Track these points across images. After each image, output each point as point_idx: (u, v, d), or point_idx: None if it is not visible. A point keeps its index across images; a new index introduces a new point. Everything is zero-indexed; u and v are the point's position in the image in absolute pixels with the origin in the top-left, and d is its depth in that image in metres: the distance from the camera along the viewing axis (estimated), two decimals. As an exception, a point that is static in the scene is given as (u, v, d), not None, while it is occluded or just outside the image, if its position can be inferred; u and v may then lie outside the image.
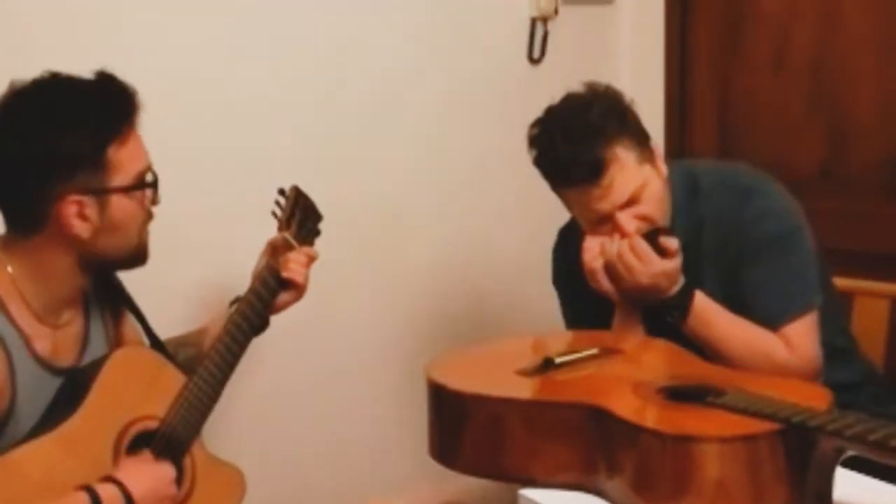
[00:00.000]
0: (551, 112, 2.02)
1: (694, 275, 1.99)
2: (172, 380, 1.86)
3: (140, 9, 2.27)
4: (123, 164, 1.75)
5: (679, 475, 1.43)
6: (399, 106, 2.68)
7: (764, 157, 2.73)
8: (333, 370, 2.61)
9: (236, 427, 2.36)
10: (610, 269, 1.97)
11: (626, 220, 1.95)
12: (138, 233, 1.81)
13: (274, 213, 2.08)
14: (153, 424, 1.82)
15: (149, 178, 1.80)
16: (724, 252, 2.01)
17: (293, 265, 2.00)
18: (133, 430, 1.79)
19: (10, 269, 1.75)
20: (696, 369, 1.75)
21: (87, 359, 1.84)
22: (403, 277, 2.73)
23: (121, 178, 1.75)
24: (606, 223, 1.97)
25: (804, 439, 1.42)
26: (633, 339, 1.97)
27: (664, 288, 1.96)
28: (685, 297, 1.96)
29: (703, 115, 3.02)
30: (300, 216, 2.08)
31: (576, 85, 2.05)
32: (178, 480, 1.83)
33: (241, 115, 2.42)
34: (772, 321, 1.96)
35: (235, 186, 2.39)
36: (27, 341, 1.75)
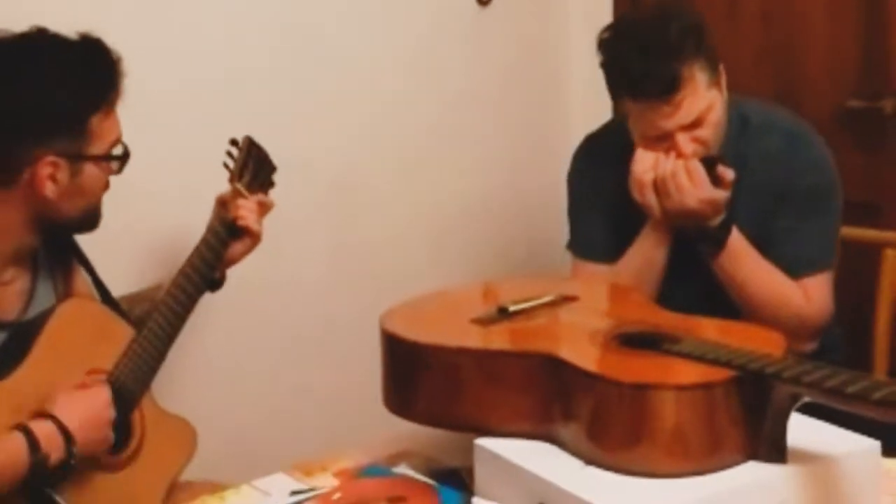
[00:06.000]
0: (627, 20, 2.04)
1: (729, 209, 2.01)
2: (121, 333, 1.84)
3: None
4: (102, 133, 1.76)
5: (635, 423, 1.43)
6: (350, 54, 2.64)
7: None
8: (287, 323, 2.59)
9: (189, 381, 2.34)
10: (660, 185, 1.97)
11: (685, 141, 1.96)
12: (97, 200, 1.81)
13: (226, 165, 2.05)
14: (101, 378, 1.78)
15: (119, 150, 1.80)
16: (764, 192, 2.03)
17: (244, 212, 1.98)
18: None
19: None
20: (651, 316, 1.75)
21: (33, 315, 1.80)
22: (361, 229, 2.70)
23: (97, 146, 1.76)
24: (664, 141, 1.98)
25: (760, 386, 1.42)
26: (587, 284, 1.97)
27: (708, 216, 1.98)
28: (724, 230, 1.98)
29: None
30: (253, 167, 2.05)
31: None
32: (128, 435, 1.80)
33: (197, 67, 2.37)
34: (795, 269, 2.00)
35: (190, 140, 2.35)
36: None
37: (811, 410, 1.48)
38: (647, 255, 2.07)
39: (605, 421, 1.46)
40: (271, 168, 2.12)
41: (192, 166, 2.33)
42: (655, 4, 2.06)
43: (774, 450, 1.43)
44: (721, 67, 2.02)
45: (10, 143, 1.70)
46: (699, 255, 2.02)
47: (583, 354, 1.55)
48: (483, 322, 1.71)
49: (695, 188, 1.95)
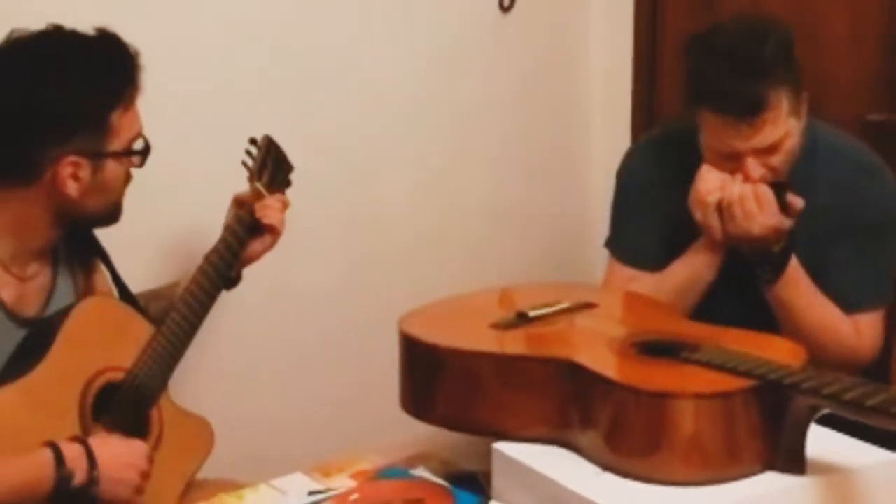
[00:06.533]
0: (721, 30, 1.94)
1: (789, 235, 1.96)
2: (140, 330, 1.84)
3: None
4: (123, 129, 1.76)
5: (653, 431, 1.44)
6: (371, 59, 2.64)
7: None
8: (306, 324, 2.59)
9: (208, 381, 2.35)
10: (725, 208, 1.92)
11: (755, 165, 1.91)
12: (119, 194, 1.82)
13: (244, 163, 2.05)
14: (119, 375, 1.79)
15: (140, 144, 1.80)
16: (825, 220, 1.97)
17: (270, 211, 1.98)
18: (99, 382, 1.77)
19: None
20: (670, 324, 1.75)
21: (53, 311, 1.80)
22: (378, 230, 2.70)
23: (118, 142, 1.76)
24: (733, 160, 1.92)
25: (779, 396, 1.42)
26: (606, 292, 1.97)
27: (770, 242, 1.92)
28: (785, 257, 1.93)
29: (672, 63, 3.00)
30: (272, 166, 2.06)
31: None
32: (146, 432, 1.81)
33: (215, 66, 2.37)
34: (849, 304, 1.96)
35: (210, 138, 2.35)
36: None
37: (830, 422, 1.48)
38: (695, 271, 2.01)
39: (623, 428, 1.46)
40: (289, 168, 2.12)
41: (208, 165, 2.33)
42: (750, 17, 1.96)
43: (793, 461, 1.43)
44: (804, 95, 1.96)
45: (32, 144, 1.71)
46: (749, 276, 1.96)
47: (602, 361, 1.55)
48: (502, 327, 1.71)
49: (763, 215, 1.89)
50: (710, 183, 1.93)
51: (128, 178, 1.82)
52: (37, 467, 1.62)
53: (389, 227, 2.73)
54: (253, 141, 2.07)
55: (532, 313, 1.74)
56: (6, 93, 1.71)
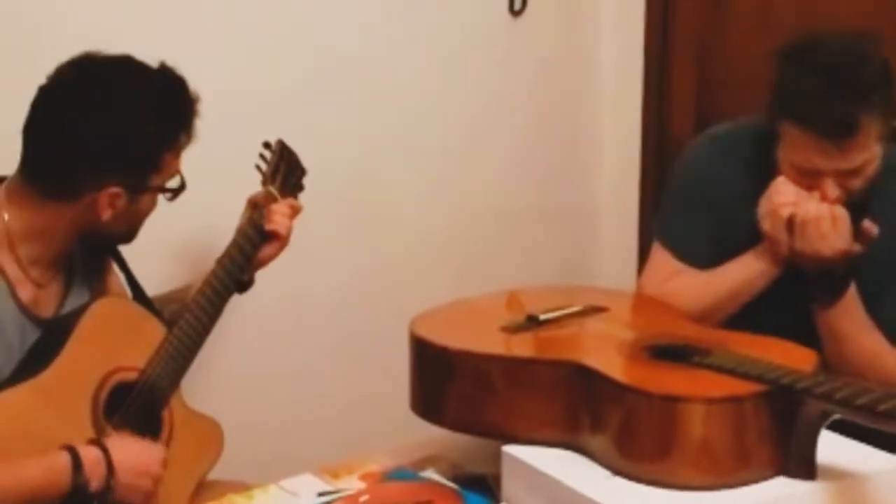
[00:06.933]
0: (818, 44, 1.87)
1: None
2: (153, 331, 1.84)
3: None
4: (167, 168, 1.80)
5: (664, 435, 1.44)
6: (381, 62, 2.64)
7: (742, 114, 2.71)
8: (315, 325, 2.59)
9: (216, 381, 2.35)
10: (798, 224, 1.85)
11: (833, 187, 1.85)
12: (143, 222, 1.86)
13: (258, 167, 2.06)
14: (132, 376, 1.80)
15: (176, 182, 1.84)
16: (885, 243, 1.88)
17: (277, 217, 1.98)
18: (112, 381, 1.77)
19: (6, 216, 1.74)
20: (681, 328, 1.75)
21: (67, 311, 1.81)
22: (388, 232, 2.71)
23: (160, 179, 1.80)
24: (811, 177, 1.86)
25: (790, 401, 1.42)
26: (617, 295, 1.97)
27: (836, 266, 1.86)
28: (845, 282, 1.88)
29: (683, 68, 3.00)
30: (285, 170, 2.06)
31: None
32: (157, 433, 1.82)
33: (227, 71, 2.37)
34: None
35: (221, 142, 2.35)
36: (11, 286, 1.73)
37: (841, 428, 1.48)
38: (749, 279, 1.94)
39: (634, 432, 1.47)
40: (302, 172, 2.13)
41: (219, 167, 2.33)
42: (852, 34, 1.87)
43: (804, 466, 1.43)
44: (892, 122, 1.88)
45: (83, 168, 1.73)
46: (801, 291, 1.90)
47: (612, 365, 1.55)
48: (512, 330, 1.71)
49: (835, 237, 1.83)
50: (786, 196, 1.87)
51: (154, 208, 1.86)
52: (53, 472, 1.63)
53: (399, 230, 2.73)
54: (267, 145, 2.08)
55: (543, 316, 1.74)
56: (70, 113, 1.72)
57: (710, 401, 1.43)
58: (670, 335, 1.68)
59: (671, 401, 1.44)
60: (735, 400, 1.43)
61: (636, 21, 3.03)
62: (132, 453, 1.71)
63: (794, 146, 1.86)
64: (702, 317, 1.89)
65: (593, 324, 1.75)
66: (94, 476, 1.64)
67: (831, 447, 1.46)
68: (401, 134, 2.69)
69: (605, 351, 1.61)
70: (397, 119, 2.68)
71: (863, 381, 1.41)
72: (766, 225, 1.90)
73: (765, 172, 1.92)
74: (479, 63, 2.81)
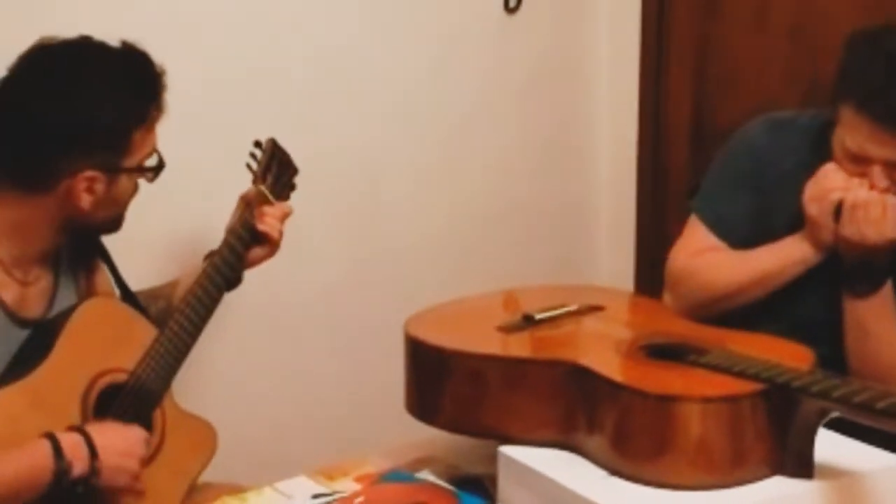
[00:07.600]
0: (893, 32, 1.87)
1: None
2: (143, 332, 1.83)
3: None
4: (141, 146, 1.78)
5: (660, 434, 1.43)
6: (375, 59, 2.63)
7: (740, 116, 2.70)
8: (309, 325, 2.58)
9: (209, 382, 2.34)
10: (846, 209, 1.84)
11: (881, 175, 1.83)
12: (126, 206, 1.83)
13: (249, 166, 2.04)
14: (122, 377, 1.78)
15: (154, 160, 1.82)
16: None
17: (269, 219, 1.97)
18: (101, 383, 1.76)
19: None
20: (677, 327, 1.75)
21: (55, 312, 1.80)
22: (381, 231, 2.70)
23: (134, 159, 1.78)
24: (860, 164, 1.85)
25: (787, 400, 1.41)
26: (613, 294, 1.96)
27: (879, 255, 1.85)
28: (885, 274, 1.86)
29: (679, 65, 2.99)
30: (276, 169, 2.05)
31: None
32: (148, 435, 1.80)
33: (218, 66, 2.36)
34: None
35: (211, 139, 2.35)
36: None
37: (839, 426, 1.47)
38: (785, 265, 1.92)
39: (630, 432, 1.46)
40: (294, 171, 2.11)
41: (211, 165, 2.33)
42: None
43: (801, 465, 1.43)
44: None
45: (53, 155, 1.71)
46: (835, 283, 1.89)
47: (608, 364, 1.54)
48: (508, 329, 1.71)
49: (885, 224, 1.81)
50: (835, 182, 1.86)
51: (135, 190, 1.83)
52: (34, 459, 1.61)
53: (393, 228, 2.72)
54: (258, 143, 2.06)
55: (538, 316, 1.73)
56: (33, 102, 1.70)
57: (706, 400, 1.43)
58: (666, 334, 1.67)
59: (667, 400, 1.43)
60: (732, 399, 1.43)
61: (632, 17, 3.02)
62: (114, 435, 1.69)
63: (849, 130, 1.85)
64: (726, 296, 1.90)
65: (589, 323, 1.75)
66: (77, 460, 1.63)
67: (829, 446, 1.46)
68: (395, 131, 2.68)
69: (601, 350, 1.61)
70: (391, 117, 2.68)
71: (862, 381, 1.39)
72: (812, 209, 1.88)
73: (817, 163, 1.91)
74: (473, 60, 2.81)
